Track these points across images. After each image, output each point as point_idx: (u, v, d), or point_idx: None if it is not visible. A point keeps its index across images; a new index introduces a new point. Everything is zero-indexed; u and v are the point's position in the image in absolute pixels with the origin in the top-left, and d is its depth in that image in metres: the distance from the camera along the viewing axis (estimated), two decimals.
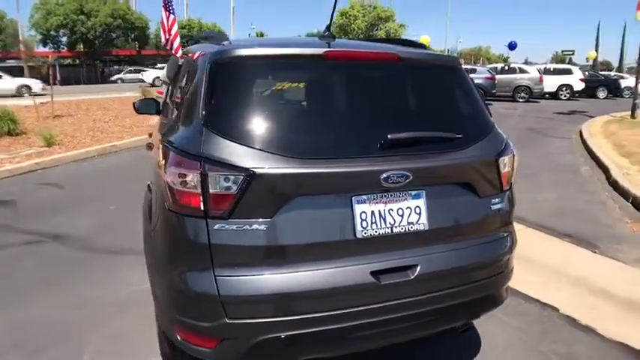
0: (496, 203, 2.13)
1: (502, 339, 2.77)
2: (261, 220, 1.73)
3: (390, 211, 1.88)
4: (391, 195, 1.88)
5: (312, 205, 1.79)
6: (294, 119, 1.94)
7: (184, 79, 2.44)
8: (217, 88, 1.86)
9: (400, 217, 1.89)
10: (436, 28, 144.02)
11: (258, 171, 1.70)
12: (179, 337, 1.87)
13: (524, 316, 3.02)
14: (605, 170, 7.04)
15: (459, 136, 2.02)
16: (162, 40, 2.75)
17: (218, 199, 1.70)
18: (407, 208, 1.90)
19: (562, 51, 44.72)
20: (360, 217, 1.83)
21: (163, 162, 1.90)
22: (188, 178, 1.73)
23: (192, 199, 1.72)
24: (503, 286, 2.25)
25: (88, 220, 4.77)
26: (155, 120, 3.99)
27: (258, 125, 1.82)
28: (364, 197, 1.84)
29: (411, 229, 1.90)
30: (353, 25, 61.42)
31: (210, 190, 1.70)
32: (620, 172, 6.60)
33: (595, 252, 4.14)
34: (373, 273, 1.84)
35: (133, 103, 4.37)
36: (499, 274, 2.18)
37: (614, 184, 6.22)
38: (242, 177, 1.69)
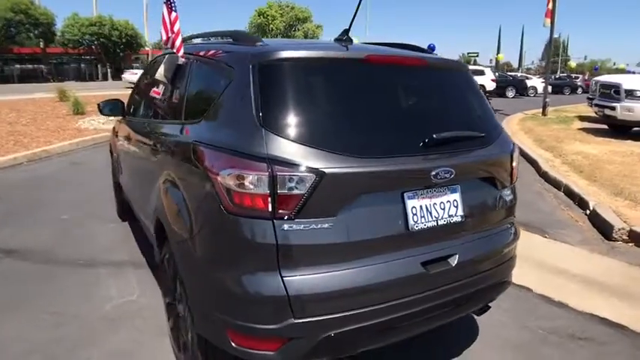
0: (508, 195, 2.34)
1: (496, 318, 3.02)
2: (325, 218, 1.74)
3: (435, 205, 2.00)
4: (435, 190, 2.00)
5: (369, 202, 1.84)
6: (348, 120, 1.96)
7: (199, 78, 2.39)
8: (272, 89, 1.83)
9: (442, 210, 2.02)
10: (354, 30, 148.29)
11: (325, 170, 1.72)
12: (233, 344, 1.82)
13: (509, 298, 3.31)
14: (533, 163, 7.83)
15: (483, 134, 2.20)
16: (163, 38, 2.59)
17: (286, 199, 1.69)
18: (447, 201, 2.04)
19: (467, 53, 48.99)
20: (412, 212, 1.92)
21: (210, 164, 1.84)
22: (253, 180, 1.69)
23: (259, 200, 1.69)
24: (512, 269, 2.48)
25: (40, 232, 4.35)
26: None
27: (316, 126, 1.83)
28: (414, 193, 1.94)
29: (451, 221, 2.04)
30: (271, 25, 61.38)
31: (279, 191, 1.68)
32: (547, 164, 7.39)
33: (546, 237, 4.63)
34: (423, 263, 1.95)
35: (98, 104, 4.11)
36: (511, 259, 2.40)
37: (545, 176, 6.95)
38: (310, 177, 1.70)
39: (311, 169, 1.70)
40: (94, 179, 6.46)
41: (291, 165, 1.70)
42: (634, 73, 27.83)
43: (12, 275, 3.48)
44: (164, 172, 2.40)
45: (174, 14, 2.56)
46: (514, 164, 2.35)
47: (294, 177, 1.69)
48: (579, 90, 34.85)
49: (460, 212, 2.07)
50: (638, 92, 9.45)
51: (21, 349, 2.56)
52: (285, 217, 1.70)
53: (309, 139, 1.76)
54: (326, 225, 1.75)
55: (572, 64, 57.13)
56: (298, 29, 65.58)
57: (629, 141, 9.70)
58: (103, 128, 10.01)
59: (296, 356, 1.80)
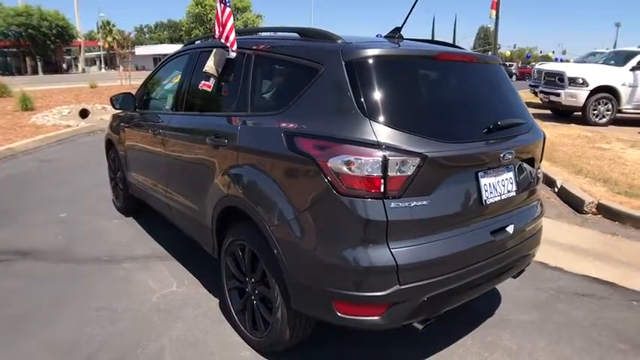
0: (539, 174, 2.70)
1: (510, 282, 3.40)
2: (423, 196, 1.99)
3: (498, 183, 2.31)
4: (498, 170, 2.32)
5: (454, 180, 2.11)
6: (433, 109, 2.22)
7: (268, 72, 2.55)
8: (367, 83, 2.03)
9: (503, 187, 2.33)
10: (296, 20, 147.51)
11: (427, 154, 1.96)
12: (339, 313, 2.02)
13: None
14: None
15: (525, 121, 2.53)
16: (216, 33, 2.61)
17: (395, 180, 1.91)
18: (505, 179, 2.36)
19: None
20: (484, 189, 2.22)
21: (316, 152, 2.00)
22: (366, 164, 1.89)
23: (371, 182, 1.90)
24: (539, 243, 2.84)
25: (44, 232, 4.21)
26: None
27: (411, 115, 2.08)
28: (484, 172, 2.25)
29: (508, 196, 2.37)
30: (210, 15, 59.82)
31: (389, 174, 1.90)
32: None
33: None
34: (491, 232, 2.26)
35: (111, 98, 4.05)
36: (540, 230, 2.76)
37: None
38: (415, 160, 1.93)
39: (415, 153, 1.94)
40: (73, 176, 6.23)
41: (399, 150, 1.92)
42: (561, 60, 30.20)
43: (38, 276, 3.39)
44: (231, 163, 2.50)
45: (227, 10, 2.63)
46: (543, 148, 2.71)
47: (402, 160, 1.92)
48: (513, 77, 37.18)
49: (514, 188, 2.40)
50: (580, 80, 10.43)
51: (87, 347, 2.57)
52: (394, 197, 1.93)
53: (408, 126, 1.99)
54: (424, 202, 2.00)
55: (507, 52, 60.48)
56: (238, 19, 64.38)
57: (572, 124, 10.70)
58: (62, 124, 9.52)
59: (397, 319, 2.04)
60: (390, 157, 1.90)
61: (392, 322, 2.04)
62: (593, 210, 5.11)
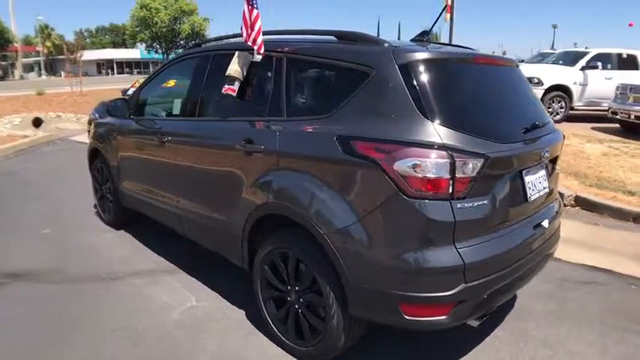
0: (558, 172, 2.83)
1: None
2: (483, 196, 2.04)
3: (536, 180, 2.41)
4: (537, 168, 2.42)
5: (505, 180, 2.17)
6: (484, 110, 2.27)
7: (307, 76, 2.52)
8: (424, 85, 2.04)
9: (540, 184, 2.44)
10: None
11: (490, 155, 2.00)
12: (406, 315, 2.01)
13: None
14: None
15: (549, 121, 2.64)
16: (244, 35, 2.51)
17: (461, 181, 1.94)
18: (541, 177, 2.47)
19: None
20: (528, 186, 2.30)
21: (380, 155, 1.99)
22: (434, 166, 1.91)
23: (439, 184, 1.92)
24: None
25: (30, 251, 3.90)
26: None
27: (468, 116, 2.13)
28: (527, 170, 2.33)
29: (543, 193, 2.48)
30: (155, 18, 58.07)
31: (456, 175, 1.92)
32: None
33: None
34: (534, 227, 2.34)
35: (106, 104, 3.82)
36: (560, 227, 2.90)
37: None
38: (479, 161, 1.97)
39: (479, 154, 1.98)
40: (44, 189, 5.82)
41: (464, 151, 1.95)
42: None
43: (37, 299, 3.13)
44: (269, 169, 2.43)
45: (255, 12, 2.55)
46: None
47: (467, 162, 1.95)
48: None
49: (546, 185, 2.51)
50: (535, 79, 10.92)
51: None
52: (459, 198, 1.96)
53: (467, 127, 2.02)
54: (484, 201, 2.05)
55: None
56: (184, 22, 62.94)
57: None
58: (18, 134, 8.87)
59: (461, 317, 2.07)
60: (457, 159, 1.92)
61: (456, 320, 2.06)
62: (572, 202, 5.41)
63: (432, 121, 1.97)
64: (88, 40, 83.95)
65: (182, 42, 66.47)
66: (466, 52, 2.58)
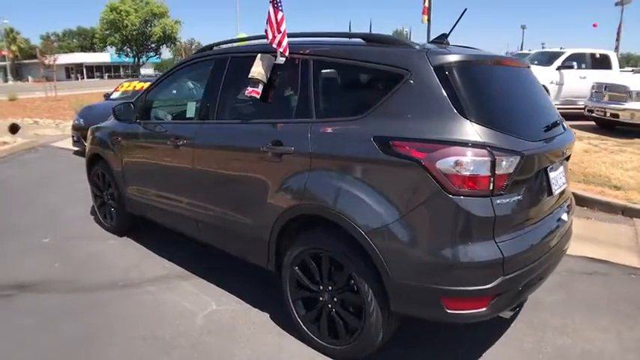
0: (569, 169, 2.95)
1: None
2: (517, 192, 2.12)
3: (558, 176, 2.51)
4: (557, 164, 2.52)
5: (535, 175, 2.27)
6: (512, 109, 2.36)
7: (336, 78, 2.54)
8: (459, 86, 2.11)
9: (559, 180, 2.55)
10: (219, 24, 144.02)
11: (525, 153, 2.09)
12: (448, 309, 2.07)
13: None
14: None
15: (563, 121, 2.75)
16: (269, 37, 2.50)
17: (500, 178, 2.02)
18: (560, 173, 2.57)
19: None
20: (552, 182, 2.39)
21: (421, 154, 2.04)
22: (476, 165, 1.98)
23: (480, 181, 1.99)
24: None
25: (33, 261, 3.77)
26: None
27: (502, 115, 2.21)
28: (551, 167, 2.43)
29: (563, 188, 2.58)
30: (126, 21, 57.02)
31: (496, 172, 1.99)
32: None
33: None
34: (557, 220, 2.44)
35: (113, 109, 3.76)
36: (572, 222, 3.01)
37: None
38: (516, 159, 2.05)
39: (515, 152, 2.06)
40: (35, 197, 5.66)
41: (502, 149, 2.03)
42: None
43: (51, 310, 3.04)
44: (301, 170, 2.44)
45: (280, 14, 2.56)
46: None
47: (505, 159, 2.03)
48: None
49: (564, 180, 2.61)
50: None
51: None
52: (498, 194, 2.03)
53: (502, 126, 2.10)
54: (519, 197, 2.14)
55: None
56: (155, 25, 62.02)
57: None
58: None
59: (498, 308, 2.14)
60: (497, 157, 2.00)
61: (494, 312, 2.13)
62: None
63: (470, 121, 2.04)
64: (55, 44, 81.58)
65: (153, 45, 65.44)
66: (489, 54, 2.66)
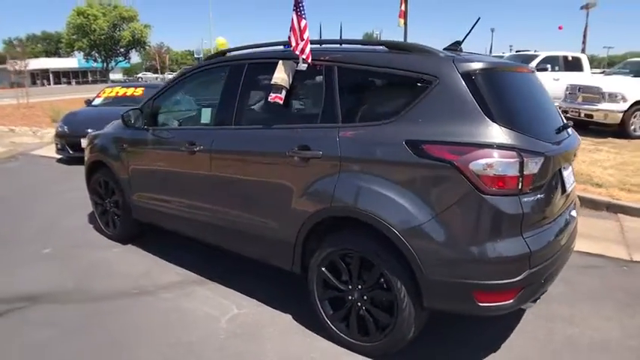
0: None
1: None
2: (540, 190, 2.26)
3: (569, 175, 2.68)
4: (568, 164, 2.69)
5: (553, 175, 2.41)
6: (530, 113, 2.49)
7: (361, 84, 2.64)
8: (485, 92, 2.24)
9: (570, 179, 2.72)
10: (188, 28, 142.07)
11: (547, 154, 2.24)
12: (479, 303, 2.19)
13: None
14: None
15: (568, 124, 2.91)
16: (293, 43, 2.54)
17: (527, 178, 2.16)
18: (570, 172, 2.74)
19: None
20: (565, 181, 2.55)
21: (454, 157, 2.15)
22: (506, 166, 2.11)
23: (510, 181, 2.12)
24: None
25: (37, 271, 3.70)
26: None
27: (524, 119, 2.34)
28: (564, 167, 2.58)
29: (571, 187, 2.75)
30: (94, 25, 55.68)
31: (525, 172, 2.13)
32: None
33: None
34: (568, 216, 2.60)
35: (122, 115, 3.73)
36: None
37: None
38: (540, 159, 2.20)
39: (539, 153, 2.21)
40: (27, 207, 5.50)
41: (529, 151, 2.17)
42: None
43: (68, 320, 2.99)
44: (330, 173, 2.51)
45: (303, 22, 2.62)
46: None
47: (532, 160, 2.17)
48: None
49: (573, 179, 2.77)
50: None
51: None
52: (525, 192, 2.17)
53: (525, 129, 2.25)
54: (541, 195, 2.28)
55: None
56: (124, 29, 60.80)
57: None
58: None
59: (523, 300, 2.28)
60: (525, 158, 2.14)
61: (520, 303, 2.27)
62: None
63: (498, 124, 2.17)
64: (19, 49, 78.80)
65: (122, 50, 64.10)
66: (505, 61, 2.80)
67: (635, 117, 9.62)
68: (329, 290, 2.67)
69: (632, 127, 9.62)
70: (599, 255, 4.15)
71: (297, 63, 2.72)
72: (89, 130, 7.69)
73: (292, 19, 2.64)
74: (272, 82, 2.74)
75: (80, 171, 7.44)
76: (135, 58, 68.62)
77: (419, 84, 2.34)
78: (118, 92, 9.43)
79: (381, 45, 2.64)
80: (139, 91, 9.47)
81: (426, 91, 2.30)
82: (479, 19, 2.77)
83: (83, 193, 5.76)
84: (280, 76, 2.73)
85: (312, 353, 2.63)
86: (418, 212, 2.24)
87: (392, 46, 2.58)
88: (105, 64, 63.20)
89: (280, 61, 2.78)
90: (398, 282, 2.34)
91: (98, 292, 3.38)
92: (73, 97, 21.93)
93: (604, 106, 9.48)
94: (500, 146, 2.13)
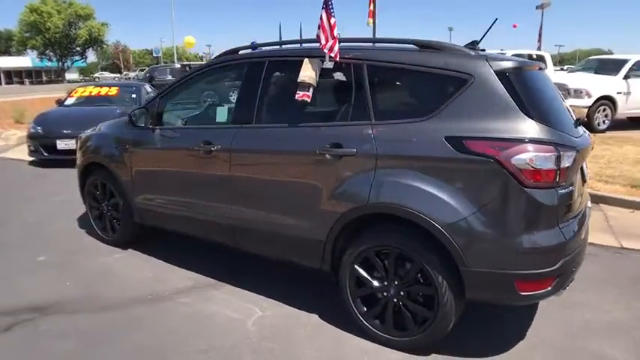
0: None
1: None
2: (570, 182, 2.35)
3: (585, 168, 2.79)
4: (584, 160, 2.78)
5: (578, 168, 2.50)
6: (556, 109, 2.56)
7: (395, 82, 2.72)
8: (518, 89, 2.33)
9: (586, 171, 2.82)
10: (146, 27, 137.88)
11: (578, 148, 2.34)
12: (521, 292, 2.27)
13: None
14: None
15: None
16: (322, 41, 2.50)
17: (563, 171, 2.25)
18: (586, 165, 2.84)
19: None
20: (585, 174, 2.67)
21: (496, 152, 2.21)
22: (545, 160, 2.20)
23: (549, 174, 2.21)
24: None
25: (38, 281, 3.50)
26: None
27: (552, 114, 2.42)
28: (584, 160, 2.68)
29: (587, 177, 2.85)
30: (48, 23, 53.39)
31: (561, 166, 2.22)
32: None
33: None
34: (587, 208, 2.73)
35: (129, 115, 3.58)
36: None
37: None
38: (573, 153, 2.30)
39: (572, 148, 2.31)
40: (9, 214, 5.20)
41: (564, 146, 2.27)
42: None
43: (85, 330, 2.85)
44: (365, 171, 2.51)
45: (333, 19, 2.60)
46: None
47: (567, 154, 2.27)
48: None
49: (587, 171, 2.88)
50: None
51: None
52: (560, 185, 2.27)
53: (556, 124, 2.36)
54: (572, 187, 2.38)
55: None
56: (80, 27, 58.60)
57: None
58: None
59: (558, 288, 2.39)
60: (561, 153, 2.23)
61: (555, 291, 2.37)
62: None
63: (534, 120, 2.26)
64: None
65: (79, 48, 61.69)
66: (525, 60, 2.87)
67: (598, 112, 10.15)
68: (362, 288, 2.67)
69: (597, 122, 10.14)
70: (592, 244, 4.33)
71: (323, 61, 2.71)
72: (65, 131, 7.50)
73: (321, 17, 2.63)
74: (299, 80, 2.70)
75: (58, 173, 7.21)
76: (92, 57, 66.15)
77: (455, 82, 2.39)
78: (91, 92, 9.06)
79: (411, 44, 2.66)
80: (114, 91, 9.15)
81: (462, 89, 2.36)
82: (496, 19, 2.84)
83: (65, 197, 5.58)
84: (307, 74, 2.70)
85: (348, 351, 2.63)
86: (461, 207, 2.28)
87: (422, 45, 2.61)
88: (60, 64, 60.66)
89: (306, 59, 2.75)
90: (439, 276, 2.37)
91: (109, 299, 3.23)
92: (33, 98, 20.88)
93: (570, 102, 9.88)
94: (540, 141, 2.23)
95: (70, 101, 8.95)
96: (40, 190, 6.23)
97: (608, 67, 11.15)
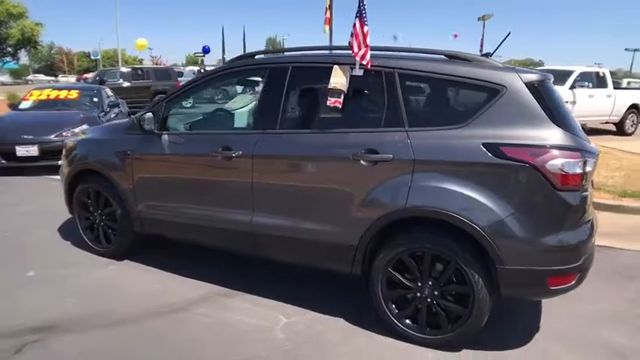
0: None
1: None
2: (588, 185, 2.55)
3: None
4: None
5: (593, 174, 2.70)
6: (571, 116, 2.72)
7: (427, 91, 2.82)
8: (544, 99, 2.52)
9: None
10: (84, 29, 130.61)
11: (597, 154, 2.55)
12: (551, 287, 2.46)
13: None
14: None
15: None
16: (355, 49, 2.50)
17: (586, 175, 2.44)
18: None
19: (194, 53, 50.09)
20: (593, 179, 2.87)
21: (532, 158, 2.37)
22: (574, 165, 2.39)
23: (577, 178, 2.41)
24: None
25: (35, 299, 3.26)
26: None
27: (573, 122, 2.60)
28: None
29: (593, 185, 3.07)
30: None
31: (586, 170, 2.41)
32: None
33: None
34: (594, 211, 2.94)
35: (138, 119, 3.42)
36: None
37: None
38: (594, 159, 2.50)
39: (593, 154, 2.52)
40: None
41: (588, 152, 2.48)
42: None
43: (101, 349, 2.70)
44: (402, 175, 2.59)
45: (366, 27, 2.64)
46: None
47: (590, 160, 2.47)
48: None
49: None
50: None
51: None
52: (583, 188, 2.46)
53: (577, 132, 2.55)
54: (590, 190, 2.58)
55: None
56: (12, 27, 54.80)
57: None
58: None
59: (579, 282, 2.58)
60: (586, 158, 2.44)
61: (577, 284, 2.58)
62: None
63: (561, 128, 2.46)
64: None
65: (10, 49, 57.64)
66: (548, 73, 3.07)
67: None
68: (395, 289, 2.73)
69: None
70: None
71: (353, 68, 2.75)
72: (26, 137, 7.01)
73: (355, 25, 2.67)
74: (330, 87, 2.73)
75: (19, 182, 6.72)
76: (24, 59, 62.08)
77: (487, 92, 2.55)
78: (49, 95, 8.53)
79: (441, 54, 2.80)
80: (74, 94, 8.67)
81: (495, 99, 2.52)
82: (509, 33, 3.03)
83: (32, 207, 5.27)
84: (339, 80, 2.73)
85: (384, 352, 2.67)
86: (498, 209, 2.43)
87: (451, 56, 2.74)
88: None
89: (336, 66, 2.78)
90: (475, 275, 2.49)
91: (122, 314, 3.07)
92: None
93: None
94: (569, 148, 2.43)
95: (25, 105, 8.37)
96: (6, 199, 5.77)
97: (555, 77, 11.97)
